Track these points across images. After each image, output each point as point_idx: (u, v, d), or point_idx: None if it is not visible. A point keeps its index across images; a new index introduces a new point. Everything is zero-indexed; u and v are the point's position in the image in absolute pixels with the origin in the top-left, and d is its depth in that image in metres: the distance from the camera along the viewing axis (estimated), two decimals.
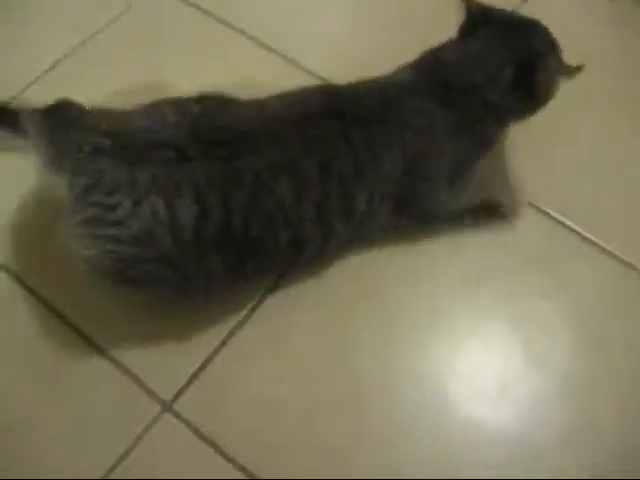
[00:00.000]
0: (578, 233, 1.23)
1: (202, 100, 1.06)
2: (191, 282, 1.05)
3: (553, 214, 1.25)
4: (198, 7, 1.52)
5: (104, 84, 1.36)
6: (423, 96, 1.11)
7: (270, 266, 1.11)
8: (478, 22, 1.14)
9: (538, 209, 1.26)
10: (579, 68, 1.13)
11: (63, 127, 1.05)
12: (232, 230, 0.99)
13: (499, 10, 1.16)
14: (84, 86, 1.28)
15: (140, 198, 0.96)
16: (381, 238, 1.19)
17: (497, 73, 1.10)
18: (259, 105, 1.08)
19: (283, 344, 1.12)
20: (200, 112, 1.04)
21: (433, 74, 1.13)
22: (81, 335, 1.12)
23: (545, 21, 1.15)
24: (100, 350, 1.11)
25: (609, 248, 1.21)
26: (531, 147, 1.30)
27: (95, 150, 0.99)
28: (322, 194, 1.03)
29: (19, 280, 1.17)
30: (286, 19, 1.52)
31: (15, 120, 1.16)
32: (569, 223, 1.24)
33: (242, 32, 1.48)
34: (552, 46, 1.13)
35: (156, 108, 1.06)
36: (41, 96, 1.22)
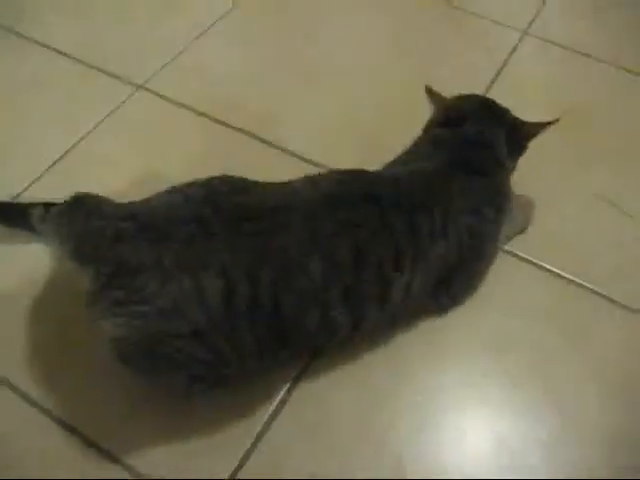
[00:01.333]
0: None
1: (227, 180, 1.07)
2: (224, 363, 1.02)
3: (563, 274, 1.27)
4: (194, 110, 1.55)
5: (106, 181, 1.37)
6: (465, 174, 1.15)
7: (301, 347, 1.09)
8: (454, 117, 1.22)
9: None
10: (554, 122, 1.21)
11: (82, 218, 1.05)
12: (261, 307, 0.97)
13: (457, 99, 1.27)
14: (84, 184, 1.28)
15: (166, 277, 0.95)
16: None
17: (500, 144, 1.19)
18: (286, 186, 1.09)
19: (318, 434, 1.09)
20: (226, 190, 1.04)
21: (456, 154, 1.18)
22: (102, 451, 1.07)
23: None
24: (123, 464, 1.06)
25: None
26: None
27: (117, 235, 0.99)
28: (355, 279, 1.02)
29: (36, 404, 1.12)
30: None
31: (26, 219, 1.19)
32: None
33: (229, 125, 1.51)
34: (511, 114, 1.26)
35: (178, 189, 1.06)
36: (43, 194, 1.26)
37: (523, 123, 1.23)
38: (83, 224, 1.05)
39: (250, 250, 0.98)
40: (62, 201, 1.16)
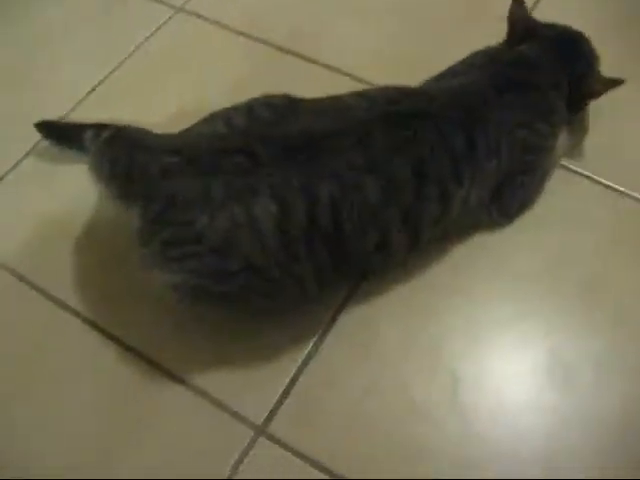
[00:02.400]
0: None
1: (271, 104, 1.04)
2: (282, 291, 1.01)
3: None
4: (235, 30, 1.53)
5: (144, 107, 1.37)
6: (519, 89, 1.12)
7: (360, 269, 1.08)
8: (524, 36, 1.18)
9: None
10: (619, 82, 1.14)
11: (126, 154, 1.03)
12: (318, 227, 0.96)
13: (543, 24, 1.21)
14: (122, 112, 1.27)
15: (216, 209, 0.93)
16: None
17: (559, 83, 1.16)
18: (337, 102, 1.06)
19: (369, 353, 1.09)
20: (270, 116, 1.02)
21: (512, 71, 1.14)
22: (160, 368, 1.09)
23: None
24: (182, 382, 1.08)
25: None
26: None
27: (163, 170, 0.97)
28: (414, 197, 1.00)
29: (89, 322, 1.14)
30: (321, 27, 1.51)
31: (79, 140, 1.17)
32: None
33: (269, 43, 1.49)
34: (596, 60, 1.21)
35: (221, 115, 1.04)
36: (87, 117, 1.26)
37: (592, 76, 1.18)
38: (127, 160, 1.02)
39: (304, 174, 0.96)
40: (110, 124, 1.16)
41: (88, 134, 1.16)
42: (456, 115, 1.05)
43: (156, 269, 0.98)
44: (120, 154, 1.03)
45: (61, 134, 1.28)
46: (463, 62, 1.20)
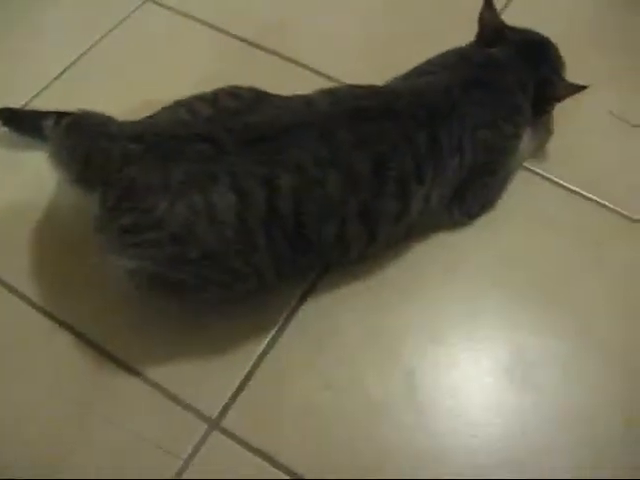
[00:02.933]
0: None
1: (237, 94, 1.03)
2: (240, 281, 1.00)
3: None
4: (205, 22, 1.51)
5: (113, 91, 1.35)
6: (485, 89, 1.12)
7: (318, 260, 1.08)
8: (493, 38, 1.19)
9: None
10: (583, 87, 1.15)
11: (86, 139, 1.01)
12: (278, 217, 0.95)
13: (512, 28, 1.22)
14: (91, 95, 1.26)
15: (175, 197, 0.92)
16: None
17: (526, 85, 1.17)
18: (302, 99, 1.05)
19: (327, 348, 1.08)
20: (235, 106, 1.01)
21: (480, 71, 1.15)
22: (115, 360, 1.07)
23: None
24: (136, 373, 1.06)
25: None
26: None
27: (124, 157, 0.95)
28: (373, 192, 1.00)
29: (42, 309, 1.12)
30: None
31: (39, 128, 1.17)
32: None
33: (240, 38, 1.48)
34: (561, 65, 1.22)
35: (185, 103, 1.03)
36: (50, 104, 1.23)
37: (558, 80, 1.20)
38: (88, 146, 1.00)
39: (266, 164, 0.95)
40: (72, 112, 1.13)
41: (48, 122, 1.15)
42: (421, 113, 1.05)
43: (113, 255, 0.97)
44: (80, 139, 1.01)
45: (21, 122, 1.26)
46: (430, 62, 1.20)
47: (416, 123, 1.04)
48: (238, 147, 0.95)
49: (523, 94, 1.17)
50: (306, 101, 1.05)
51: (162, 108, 1.06)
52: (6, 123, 1.27)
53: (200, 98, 1.04)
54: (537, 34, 1.24)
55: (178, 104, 1.05)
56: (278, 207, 0.95)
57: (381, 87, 1.13)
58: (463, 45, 1.24)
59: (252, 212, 0.94)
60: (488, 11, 1.21)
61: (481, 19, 1.21)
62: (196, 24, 1.51)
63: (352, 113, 1.02)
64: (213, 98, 1.03)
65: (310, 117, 1.01)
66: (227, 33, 1.49)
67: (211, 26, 1.50)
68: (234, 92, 1.05)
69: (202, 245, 0.94)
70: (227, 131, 0.96)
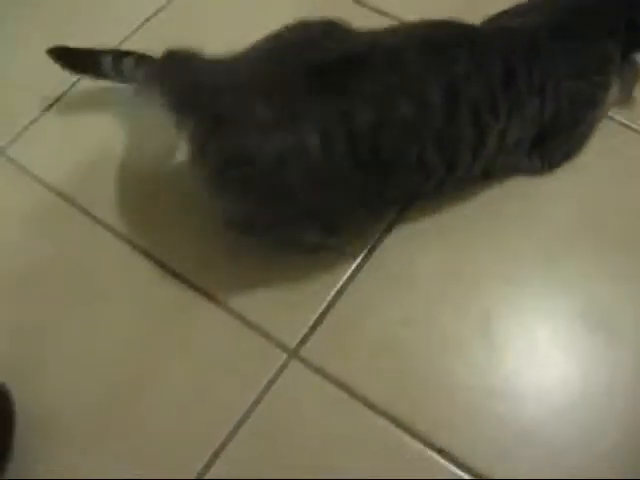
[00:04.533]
0: None
1: (318, 24, 1.05)
2: (333, 215, 1.03)
3: None
4: None
5: (204, 35, 1.32)
6: (576, 36, 1.10)
7: (403, 186, 1.07)
8: None
9: None
10: None
11: (180, 69, 1.04)
12: (361, 144, 0.96)
13: None
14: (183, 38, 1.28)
15: (266, 130, 0.94)
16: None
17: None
18: (374, 32, 1.06)
19: (404, 285, 1.10)
20: (321, 35, 1.03)
21: (567, 16, 1.12)
22: (196, 289, 1.11)
23: None
24: (218, 302, 1.09)
25: None
26: None
27: (215, 90, 0.98)
28: (448, 121, 1.00)
29: (129, 241, 1.16)
30: None
31: (96, 63, 1.19)
32: None
33: None
34: None
35: (278, 34, 1.05)
36: (141, 45, 1.24)
37: None
38: (182, 75, 1.03)
39: (339, 93, 0.97)
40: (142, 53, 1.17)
41: (129, 60, 1.17)
42: (499, 45, 1.05)
43: (213, 197, 1.03)
44: (173, 69, 1.05)
45: (75, 59, 1.25)
46: (518, 5, 1.18)
47: (493, 54, 1.03)
48: (315, 78, 0.96)
49: (614, 40, 1.14)
50: (376, 34, 1.05)
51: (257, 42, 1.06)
52: (59, 59, 1.25)
53: (289, 28, 1.06)
54: None
55: (266, 41, 1.06)
56: (359, 135, 0.96)
57: (461, 22, 1.11)
58: None
59: (336, 144, 0.95)
60: None
61: None
62: None
63: (423, 42, 1.02)
64: (303, 27, 1.05)
65: (379, 43, 1.01)
66: None
67: None
68: (318, 23, 1.06)
69: (295, 179, 0.96)
70: (305, 65, 0.98)
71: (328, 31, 1.05)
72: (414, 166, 1.02)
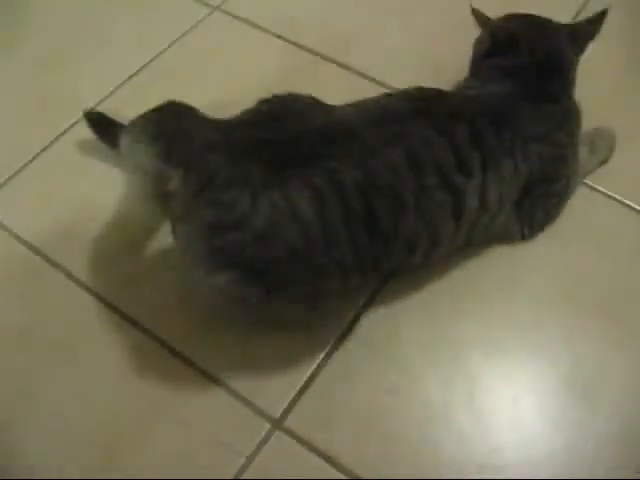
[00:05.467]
0: None
1: (298, 98, 1.07)
2: (324, 278, 1.00)
3: None
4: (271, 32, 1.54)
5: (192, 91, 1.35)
6: (534, 99, 1.13)
7: (389, 257, 1.05)
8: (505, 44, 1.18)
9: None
10: (603, 13, 1.16)
11: (174, 119, 1.03)
12: (354, 211, 0.96)
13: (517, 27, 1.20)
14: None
15: (257, 193, 0.93)
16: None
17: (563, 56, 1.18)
18: (331, 107, 1.08)
19: (389, 354, 1.10)
20: (302, 108, 1.04)
21: (530, 77, 1.15)
22: (179, 356, 1.10)
23: None
24: (202, 371, 1.08)
25: None
26: None
27: (208, 144, 0.97)
28: (419, 187, 1.01)
29: (112, 306, 1.15)
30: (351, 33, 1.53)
31: (114, 130, 1.18)
32: None
33: (306, 48, 1.51)
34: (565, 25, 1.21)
35: (259, 107, 1.06)
36: (117, 107, 1.27)
37: (578, 27, 1.19)
38: (175, 124, 1.02)
39: (334, 161, 0.97)
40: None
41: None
42: (464, 112, 1.07)
43: (199, 270, 0.98)
44: (167, 118, 1.04)
45: (105, 128, 1.27)
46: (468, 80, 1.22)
47: (454, 120, 1.05)
48: (300, 145, 0.98)
49: (565, 89, 1.18)
50: (331, 106, 1.08)
51: (242, 112, 1.07)
52: (92, 126, 1.29)
53: (268, 101, 1.07)
54: (520, 14, 1.23)
55: (249, 110, 1.07)
56: (350, 202, 0.96)
57: (418, 91, 1.13)
58: None
59: (330, 209, 0.95)
60: (479, 18, 1.21)
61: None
62: (263, 34, 1.54)
63: (375, 117, 1.05)
64: (281, 101, 1.06)
65: (334, 119, 1.04)
66: (295, 44, 1.52)
67: (278, 36, 1.53)
68: (294, 96, 1.08)
69: (287, 244, 0.94)
70: (298, 134, 0.99)
71: (312, 104, 1.07)
72: (401, 237, 1.02)
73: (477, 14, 1.21)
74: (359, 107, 1.08)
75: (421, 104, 1.08)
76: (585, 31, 1.19)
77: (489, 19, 1.21)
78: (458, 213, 1.05)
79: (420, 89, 1.13)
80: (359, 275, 1.03)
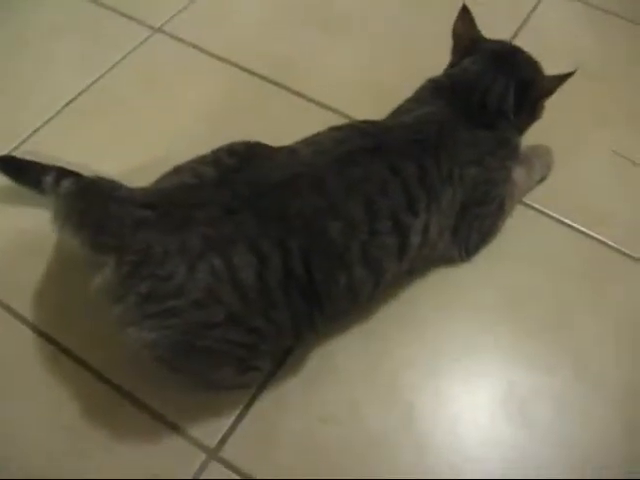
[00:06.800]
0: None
1: (234, 151, 1.03)
2: (263, 341, 0.99)
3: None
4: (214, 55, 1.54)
5: (119, 125, 1.37)
6: (468, 124, 1.13)
7: (334, 312, 1.05)
8: (468, 51, 1.20)
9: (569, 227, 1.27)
10: (571, 74, 1.13)
11: (98, 205, 0.99)
12: (295, 275, 0.95)
13: (485, 40, 1.22)
14: (97, 128, 1.27)
15: (194, 261, 0.91)
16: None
17: (504, 97, 1.16)
18: (291, 152, 1.05)
19: (326, 382, 1.09)
20: (235, 163, 1.01)
21: (464, 100, 1.15)
22: (117, 389, 1.08)
23: None
24: (137, 401, 1.07)
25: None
26: None
27: (138, 223, 0.94)
28: (370, 232, 1.01)
29: (45, 336, 1.13)
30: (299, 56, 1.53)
31: (38, 182, 1.14)
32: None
33: (250, 72, 1.50)
34: (538, 64, 1.20)
35: (188, 168, 1.02)
36: (51, 139, 1.25)
37: (540, 78, 1.18)
38: (101, 212, 0.97)
39: (272, 221, 0.96)
40: (75, 172, 1.14)
41: (48, 178, 1.13)
42: (407, 146, 1.07)
43: (132, 327, 0.93)
44: (91, 205, 1.00)
45: (20, 172, 1.23)
46: (409, 99, 1.21)
47: (402, 157, 1.06)
48: (244, 206, 0.95)
49: (506, 121, 1.17)
50: (294, 154, 1.05)
51: (162, 175, 1.04)
52: (4, 171, 1.24)
53: (201, 161, 1.03)
54: (506, 42, 1.25)
55: (180, 169, 1.04)
56: (293, 267, 0.95)
57: (364, 126, 1.13)
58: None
59: (271, 273, 0.94)
60: (463, 22, 1.21)
61: (455, 31, 1.22)
62: (205, 56, 1.53)
63: (338, 159, 1.03)
64: (214, 159, 1.03)
65: (299, 169, 1.01)
66: (236, 66, 1.51)
67: (220, 59, 1.53)
68: (231, 150, 1.04)
69: (226, 308, 0.93)
70: (232, 192, 0.97)
71: (250, 152, 1.04)
72: (344, 287, 1.01)
73: (466, 13, 1.20)
74: (315, 147, 1.06)
75: (374, 140, 1.07)
76: (541, 83, 1.17)
77: (474, 27, 1.22)
78: (402, 252, 1.06)
79: (368, 123, 1.13)
80: (294, 335, 1.03)
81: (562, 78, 1.14)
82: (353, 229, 0.99)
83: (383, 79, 1.47)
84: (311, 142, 1.08)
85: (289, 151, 1.05)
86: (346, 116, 1.40)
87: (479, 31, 1.22)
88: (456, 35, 1.22)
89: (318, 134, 1.10)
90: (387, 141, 1.07)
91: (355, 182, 1.01)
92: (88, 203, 1.00)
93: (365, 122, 1.13)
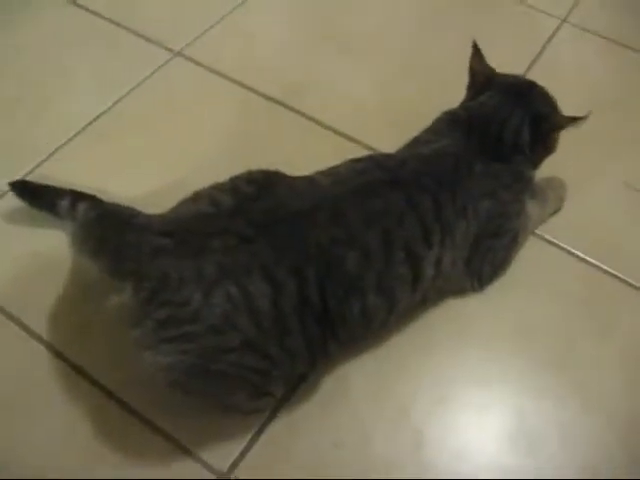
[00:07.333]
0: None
1: (252, 179, 1.05)
2: (276, 367, 1.00)
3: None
4: (231, 79, 1.56)
5: (139, 146, 1.38)
6: (483, 157, 1.15)
7: (348, 339, 1.07)
8: (484, 87, 1.22)
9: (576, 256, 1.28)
10: (584, 117, 1.14)
11: (115, 232, 1.01)
12: (310, 303, 0.97)
13: (500, 76, 1.23)
14: (115, 151, 1.28)
15: (210, 287, 0.92)
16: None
17: (520, 131, 1.18)
18: (311, 182, 1.07)
19: (338, 407, 1.10)
20: (253, 192, 1.02)
21: (481, 133, 1.17)
22: (130, 411, 1.09)
23: None
24: (150, 424, 1.08)
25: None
26: None
27: (154, 251, 0.96)
28: (385, 263, 1.02)
29: (61, 356, 1.15)
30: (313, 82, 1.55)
31: (53, 206, 1.18)
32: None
33: (267, 97, 1.52)
34: (552, 102, 1.22)
35: (207, 195, 1.04)
36: (70, 161, 1.26)
37: (553, 114, 1.19)
38: (116, 239, 1.00)
39: (288, 249, 0.97)
40: (90, 195, 1.17)
41: (64, 202, 1.16)
42: (424, 179, 1.09)
43: (149, 351, 0.95)
44: (109, 232, 1.02)
45: (34, 196, 1.26)
46: (426, 130, 1.23)
47: (420, 189, 1.07)
48: (261, 235, 0.97)
49: (521, 156, 1.19)
50: (314, 184, 1.07)
51: (181, 202, 1.06)
52: (19, 195, 1.27)
53: (219, 189, 1.05)
54: (520, 76, 1.26)
55: (199, 195, 1.05)
56: (308, 294, 0.97)
57: (382, 158, 1.15)
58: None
59: (286, 300, 0.96)
60: (476, 59, 1.23)
61: (471, 68, 1.24)
62: (223, 80, 1.56)
63: (357, 192, 1.05)
64: (232, 187, 1.04)
65: (319, 200, 1.03)
66: (254, 91, 1.53)
67: (238, 83, 1.55)
68: (249, 178, 1.06)
69: (241, 334, 0.94)
70: (249, 221, 0.98)
71: (269, 180, 1.06)
72: (358, 315, 1.02)
73: (477, 52, 1.23)
74: (334, 178, 1.08)
75: (392, 172, 1.09)
76: (554, 119, 1.18)
77: (485, 63, 1.23)
78: (416, 282, 1.07)
79: (386, 155, 1.16)
80: (308, 361, 1.04)
81: (575, 119, 1.14)
82: (369, 259, 1.01)
83: (400, 106, 1.49)
84: (329, 173, 1.10)
85: (308, 181, 1.07)
86: (362, 144, 1.41)
87: (492, 68, 1.23)
88: (472, 71, 1.24)
89: (338, 166, 1.12)
90: (405, 174, 1.09)
91: (374, 214, 1.03)
92: (106, 230, 1.02)
93: (383, 155, 1.16)
